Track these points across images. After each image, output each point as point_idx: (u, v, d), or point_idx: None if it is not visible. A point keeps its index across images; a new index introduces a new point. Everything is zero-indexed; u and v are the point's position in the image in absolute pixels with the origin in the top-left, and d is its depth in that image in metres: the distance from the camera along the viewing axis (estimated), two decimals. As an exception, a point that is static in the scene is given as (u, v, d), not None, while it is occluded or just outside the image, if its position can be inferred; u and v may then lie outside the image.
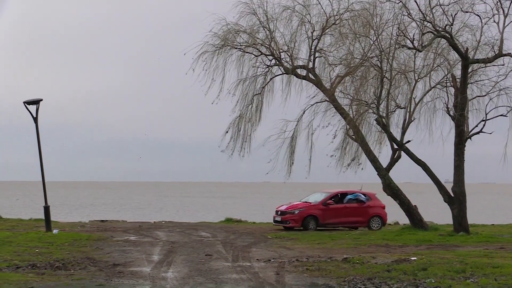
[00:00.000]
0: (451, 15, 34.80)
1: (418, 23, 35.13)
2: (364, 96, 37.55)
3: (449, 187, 36.26)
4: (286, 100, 38.90)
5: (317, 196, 41.35)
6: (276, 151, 38.01)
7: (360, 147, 38.39)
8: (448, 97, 37.03)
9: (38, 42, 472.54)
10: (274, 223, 40.98)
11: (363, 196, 40.85)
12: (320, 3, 38.24)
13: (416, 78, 37.12)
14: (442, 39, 35.83)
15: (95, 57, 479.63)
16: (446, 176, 39.87)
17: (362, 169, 39.01)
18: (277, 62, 38.81)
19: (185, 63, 38.13)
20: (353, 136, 37.97)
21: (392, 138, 37.32)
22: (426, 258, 24.18)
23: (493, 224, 46.36)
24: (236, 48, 38.69)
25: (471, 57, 35.27)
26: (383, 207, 41.04)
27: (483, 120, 36.07)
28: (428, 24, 34.88)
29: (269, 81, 39.00)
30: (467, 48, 35.25)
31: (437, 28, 34.76)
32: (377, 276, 20.48)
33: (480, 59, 35.78)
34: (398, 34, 35.44)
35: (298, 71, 38.90)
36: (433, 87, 37.58)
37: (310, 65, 38.68)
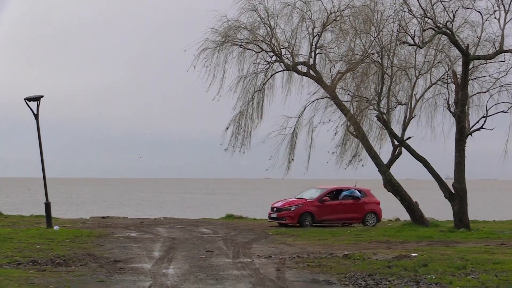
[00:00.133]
0: (452, 11, 34.77)
1: (419, 19, 35.10)
2: (365, 92, 37.56)
3: (449, 183, 36.27)
4: (287, 97, 38.96)
5: (312, 192, 41.23)
6: (276, 148, 38.07)
7: (360, 144, 38.39)
8: (449, 94, 37.03)
9: (38, 41, 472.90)
10: (269, 220, 40.79)
11: (358, 192, 40.79)
12: (321, 0, 38.28)
13: (417, 74, 37.10)
14: (443, 36, 35.81)
15: (95, 55, 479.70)
16: (447, 173, 39.95)
17: (362, 165, 39.06)
18: (278, 59, 38.82)
19: (186, 60, 38.21)
20: (354, 133, 37.96)
21: (393, 135, 37.32)
22: (426, 254, 24.20)
23: (494, 221, 46.33)
24: (236, 45, 38.71)
25: (472, 54, 35.24)
26: (378, 203, 40.99)
27: (483, 117, 36.06)
28: (429, 20, 34.86)
29: (269, 78, 39.04)
30: (468, 44, 35.22)
31: (438, 24, 34.73)
32: (378, 272, 20.49)
33: (481, 55, 35.77)
34: (399, 30, 35.42)
35: (299, 67, 38.91)
36: (434, 84, 37.59)
37: (311, 61, 38.68)
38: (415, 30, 35.19)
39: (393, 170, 38.27)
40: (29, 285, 17.98)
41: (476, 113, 36.97)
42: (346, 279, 19.50)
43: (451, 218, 37.13)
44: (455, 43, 35.04)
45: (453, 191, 35.99)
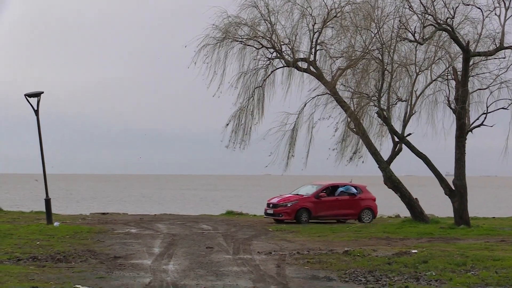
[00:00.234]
0: (453, 8, 34.77)
1: (419, 16, 35.09)
2: (365, 89, 37.54)
3: (450, 180, 36.26)
4: (287, 93, 38.91)
5: (308, 188, 41.17)
6: (276, 144, 38.05)
7: (361, 140, 38.38)
8: (449, 90, 37.01)
9: (38, 38, 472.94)
10: (265, 216, 40.72)
11: (354, 189, 40.76)
12: (321, -4, 38.25)
13: (417, 71, 37.07)
14: (443, 32, 35.79)
15: (97, 51, 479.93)
16: (447, 169, 39.94)
17: (363, 162, 39.05)
18: (278, 55, 38.80)
19: (187, 56, 38.24)
20: (354, 129, 37.95)
21: (393, 131, 37.31)
22: (427, 251, 24.19)
23: (494, 217, 46.34)
24: (237, 41, 38.68)
25: (472, 50, 35.22)
26: (374, 199, 40.97)
27: (484, 113, 36.05)
28: (429, 17, 34.85)
29: (270, 74, 39.00)
30: (468, 41, 35.20)
31: (438, 21, 34.72)
32: (378, 269, 20.49)
33: (481, 52, 35.74)
34: (399, 27, 35.40)
35: (299, 64, 38.88)
36: (434, 80, 37.57)
37: (311, 58, 38.65)
38: (415, 27, 35.21)
39: (393, 166, 38.32)
40: (29, 281, 17.97)
41: (476, 110, 37.01)
42: (346, 276, 19.50)
43: (451, 214, 37.13)
44: (456, 39, 35.02)
45: (453, 188, 36.00)
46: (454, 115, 35.96)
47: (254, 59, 38.86)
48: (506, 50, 35.43)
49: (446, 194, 36.54)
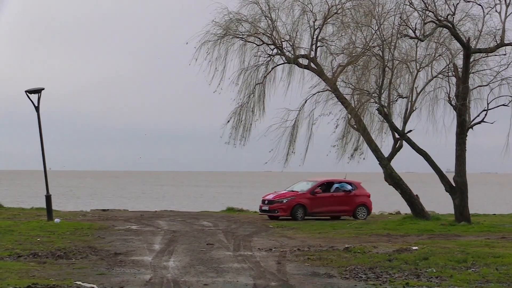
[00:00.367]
0: (453, 4, 34.75)
1: (420, 12, 35.08)
2: (366, 85, 37.51)
3: (450, 176, 36.26)
4: (288, 90, 38.89)
5: (303, 185, 41.10)
6: (277, 140, 38.05)
7: (361, 137, 38.36)
8: (449, 87, 36.98)
9: (40, 36, 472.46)
10: (260, 213, 40.59)
11: (349, 185, 40.73)
12: (322, -7, 38.22)
13: (418, 67, 37.06)
14: (444, 29, 35.76)
15: (98, 50, 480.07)
16: (448, 166, 39.90)
17: (364, 159, 39.04)
18: (279, 52, 38.78)
19: (189, 53, 38.23)
20: (355, 126, 37.93)
21: (393, 128, 37.30)
22: (427, 248, 24.19)
23: (494, 214, 46.31)
24: (238, 38, 38.68)
25: (473, 47, 35.20)
26: (369, 196, 40.96)
27: (484, 110, 36.02)
28: (430, 13, 34.82)
29: (270, 71, 39.00)
30: (469, 37, 35.17)
31: (439, 17, 34.69)
32: (379, 266, 20.49)
33: (482, 49, 35.75)
34: (400, 23, 35.39)
35: (300, 60, 38.86)
36: (434, 77, 37.55)
37: (312, 54, 38.63)
38: (416, 23, 35.20)
39: (394, 163, 38.30)
40: (29, 277, 17.97)
41: (476, 106, 36.99)
42: (347, 272, 19.50)
43: (452, 211, 37.12)
44: (456, 36, 34.99)
45: (454, 185, 35.98)
46: (455, 112, 35.95)
47: (255, 56, 38.89)
48: (506, 47, 35.42)
49: (446, 191, 36.52)
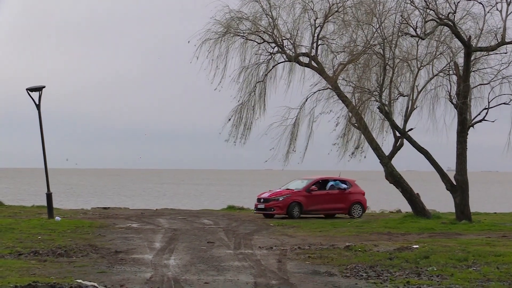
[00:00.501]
0: (454, 3, 34.74)
1: (421, 11, 35.07)
2: (367, 83, 37.53)
3: (451, 175, 36.24)
4: (288, 88, 38.88)
5: (298, 183, 41.04)
6: (278, 139, 38.05)
7: (362, 135, 38.36)
8: (450, 85, 37.00)
9: (41, 35, 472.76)
10: (255, 211, 40.41)
11: (344, 183, 40.71)
12: (323, -10, 38.20)
13: (419, 66, 37.05)
14: (445, 27, 35.75)
15: (99, 49, 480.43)
16: (449, 164, 39.89)
17: (365, 157, 39.04)
18: (280, 50, 38.77)
19: (190, 52, 38.23)
20: (356, 124, 37.93)
21: (394, 126, 37.29)
22: (428, 246, 24.18)
23: (495, 213, 46.33)
24: (239, 36, 38.67)
25: (473, 45, 35.20)
26: (363, 194, 40.95)
27: (485, 108, 36.02)
28: (431, 12, 34.81)
29: (271, 69, 38.98)
30: (470, 36, 35.16)
31: (440, 16, 34.68)
32: (379, 264, 20.48)
33: (482, 47, 35.75)
34: (401, 21, 35.40)
35: (301, 58, 38.86)
36: (435, 75, 37.54)
37: (313, 52, 38.62)
38: (417, 22, 35.19)
39: (394, 161, 38.30)
40: (30, 275, 17.96)
41: (477, 105, 36.99)
42: (347, 271, 19.48)
43: (453, 210, 37.13)
44: (457, 34, 34.98)
45: (455, 183, 35.98)
46: (456, 110, 35.95)
47: (256, 54, 38.89)
48: (507, 45, 35.41)
49: (447, 189, 36.52)
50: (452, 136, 36.21)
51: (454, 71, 36.23)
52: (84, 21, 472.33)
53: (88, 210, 44.78)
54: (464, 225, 33.69)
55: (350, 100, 37.52)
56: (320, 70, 38.36)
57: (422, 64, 37.16)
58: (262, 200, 39.63)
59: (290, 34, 38.72)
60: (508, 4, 34.44)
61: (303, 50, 39.06)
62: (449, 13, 34.73)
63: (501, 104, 35.86)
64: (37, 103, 35.94)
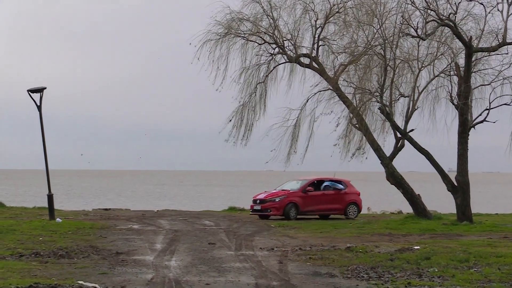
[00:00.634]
0: (455, 3, 34.74)
1: (421, 11, 35.04)
2: (368, 84, 37.50)
3: (452, 176, 36.22)
4: (289, 89, 38.88)
5: (293, 184, 41.02)
6: (279, 140, 38.03)
7: (362, 136, 38.34)
8: (451, 86, 37.02)
9: (42, 36, 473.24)
10: (251, 213, 40.33)
11: (340, 183, 40.67)
12: (323, -9, 38.20)
13: (420, 66, 37.05)
14: (446, 28, 35.74)
15: (99, 50, 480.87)
16: (450, 165, 39.87)
17: (366, 158, 39.03)
18: (281, 51, 38.77)
19: (190, 53, 38.22)
20: (357, 125, 37.91)
21: (395, 127, 37.28)
22: (429, 247, 24.17)
23: (496, 214, 46.32)
24: (239, 37, 38.66)
25: (474, 46, 35.18)
26: (359, 194, 40.95)
27: (486, 109, 36.01)
28: (432, 12, 34.80)
29: (272, 70, 38.97)
30: (470, 36, 35.14)
31: (441, 16, 34.67)
32: (380, 265, 20.46)
33: (484, 47, 35.73)
34: (401, 22, 35.40)
35: (302, 59, 38.85)
36: (436, 76, 37.54)
37: (314, 53, 38.61)
38: (418, 22, 35.17)
39: (395, 162, 38.29)
40: (31, 277, 17.95)
41: (478, 106, 36.98)
42: (349, 272, 19.46)
43: (454, 211, 37.11)
44: (458, 35, 34.97)
45: (456, 184, 35.96)
46: (457, 111, 35.93)
47: (257, 55, 38.88)
48: (508, 46, 35.40)
49: (448, 190, 36.50)
50: (453, 137, 36.25)
51: (455, 72, 36.23)
52: (84, 23, 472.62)
53: (89, 211, 44.79)
54: (465, 226, 33.66)
55: (351, 101, 37.52)
56: (321, 71, 38.35)
57: (423, 65, 37.16)
58: (258, 201, 39.57)
59: (291, 35, 38.72)
60: (509, 5, 34.43)
61: (304, 51, 39.06)
62: (450, 13, 34.73)
63: (502, 105, 35.87)
64: (38, 104, 35.96)
